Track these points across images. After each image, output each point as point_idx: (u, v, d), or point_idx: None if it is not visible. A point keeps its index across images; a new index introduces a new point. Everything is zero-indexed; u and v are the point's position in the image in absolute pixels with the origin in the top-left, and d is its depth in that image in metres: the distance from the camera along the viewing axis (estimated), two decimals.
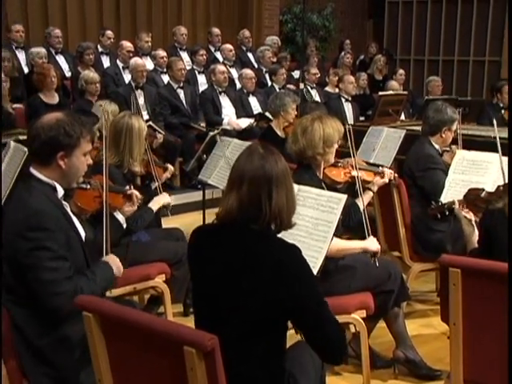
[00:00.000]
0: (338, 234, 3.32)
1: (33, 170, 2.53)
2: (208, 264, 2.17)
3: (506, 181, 3.20)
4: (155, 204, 3.82)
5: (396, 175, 3.93)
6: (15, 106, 6.35)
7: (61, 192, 2.56)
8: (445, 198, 3.92)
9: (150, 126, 5.67)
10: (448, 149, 4.42)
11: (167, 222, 4.59)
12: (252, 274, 2.05)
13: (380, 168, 3.88)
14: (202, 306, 2.22)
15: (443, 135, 4.23)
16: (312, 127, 3.34)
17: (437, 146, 4.26)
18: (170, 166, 4.31)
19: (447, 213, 3.82)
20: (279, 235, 2.20)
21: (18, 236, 2.38)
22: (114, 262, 2.73)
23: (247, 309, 2.06)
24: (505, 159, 3.45)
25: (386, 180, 3.77)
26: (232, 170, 2.19)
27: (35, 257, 2.37)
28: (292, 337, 2.39)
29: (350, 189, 3.66)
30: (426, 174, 4.11)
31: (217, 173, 4.77)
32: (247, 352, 2.09)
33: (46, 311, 2.42)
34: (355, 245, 3.24)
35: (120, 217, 3.30)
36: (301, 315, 2.11)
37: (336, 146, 3.42)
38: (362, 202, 3.47)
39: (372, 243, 3.23)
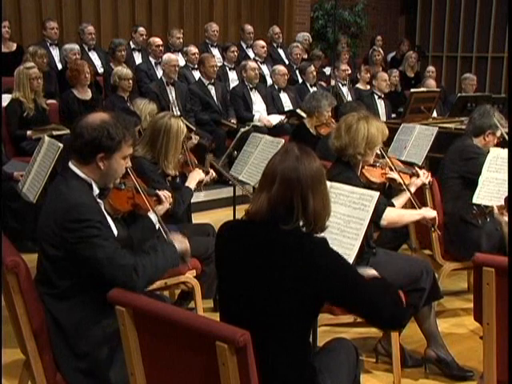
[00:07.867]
0: (370, 232, 3.31)
1: (71, 166, 2.55)
2: (234, 259, 2.15)
3: None
4: (192, 181, 3.83)
5: (430, 178, 3.87)
6: (49, 101, 6.43)
7: (96, 190, 2.57)
8: (478, 196, 3.86)
9: None
10: None
11: (198, 218, 4.61)
12: (280, 269, 2.03)
13: (414, 169, 3.84)
14: (226, 302, 2.21)
15: (486, 138, 4.16)
16: (357, 126, 3.30)
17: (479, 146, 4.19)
18: (212, 171, 4.20)
19: (488, 219, 3.77)
20: None
21: (61, 229, 2.39)
22: (175, 238, 2.78)
23: (275, 304, 2.04)
24: None
25: (423, 180, 3.74)
26: (265, 168, 2.17)
27: (88, 244, 2.38)
28: (327, 334, 2.38)
29: (383, 188, 3.64)
30: (469, 162, 4.04)
31: (247, 169, 4.77)
32: (274, 349, 2.06)
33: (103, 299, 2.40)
34: (414, 212, 3.47)
35: (153, 216, 3.30)
36: (343, 301, 2.11)
37: (378, 148, 3.39)
38: (413, 198, 3.56)
39: (428, 211, 3.46)
